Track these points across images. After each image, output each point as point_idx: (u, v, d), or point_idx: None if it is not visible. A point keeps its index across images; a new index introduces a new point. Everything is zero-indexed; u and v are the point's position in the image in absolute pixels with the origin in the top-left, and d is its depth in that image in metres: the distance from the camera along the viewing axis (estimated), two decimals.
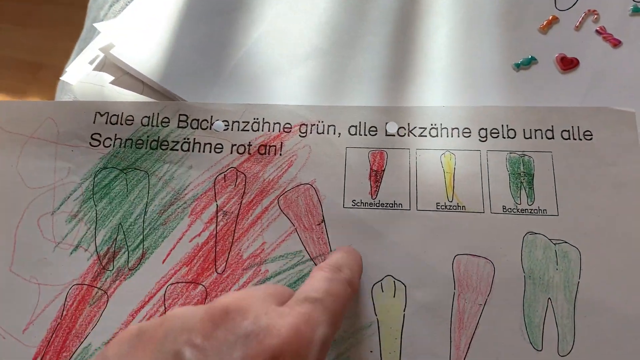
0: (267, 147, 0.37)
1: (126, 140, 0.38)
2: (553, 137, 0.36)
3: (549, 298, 0.33)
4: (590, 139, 0.36)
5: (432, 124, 0.37)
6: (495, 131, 0.37)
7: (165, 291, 0.34)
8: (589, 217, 0.34)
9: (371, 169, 0.36)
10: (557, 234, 0.34)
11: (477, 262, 0.34)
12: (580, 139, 0.36)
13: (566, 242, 0.34)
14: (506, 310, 0.33)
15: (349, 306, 0.29)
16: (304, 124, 0.38)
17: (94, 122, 0.39)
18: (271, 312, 0.24)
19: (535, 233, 0.34)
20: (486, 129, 0.37)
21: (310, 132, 0.38)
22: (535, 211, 0.35)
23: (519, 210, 0.35)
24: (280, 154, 0.37)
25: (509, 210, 0.35)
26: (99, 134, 0.38)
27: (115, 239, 0.36)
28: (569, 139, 0.36)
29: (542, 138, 0.36)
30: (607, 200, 0.34)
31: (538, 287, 0.33)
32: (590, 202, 0.35)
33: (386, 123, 0.37)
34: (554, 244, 0.34)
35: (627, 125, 0.36)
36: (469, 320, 0.33)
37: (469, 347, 0.32)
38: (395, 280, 0.34)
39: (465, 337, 0.32)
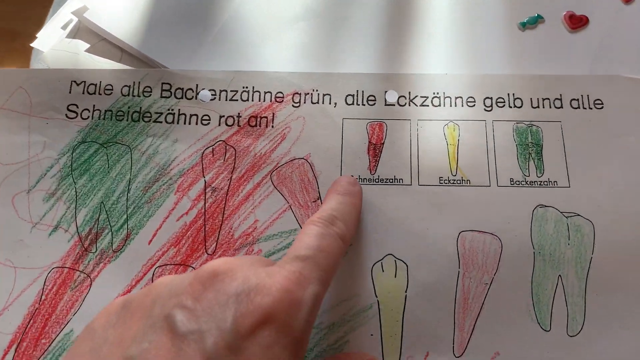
0: (258, 119, 0.35)
1: (105, 111, 0.35)
2: (562, 107, 0.34)
3: (560, 275, 0.31)
4: (602, 107, 0.34)
5: (434, 93, 0.35)
6: (501, 100, 0.35)
7: (153, 274, 0.32)
8: (603, 189, 0.33)
9: (370, 142, 0.34)
10: (569, 206, 0.32)
11: (484, 239, 0.32)
12: (591, 108, 0.34)
13: (579, 215, 0.32)
14: (513, 289, 0.31)
15: (341, 261, 0.28)
16: (297, 93, 0.35)
17: (69, 92, 0.36)
18: (260, 272, 0.23)
19: (546, 206, 0.32)
20: (491, 98, 0.35)
21: (304, 102, 0.35)
22: (545, 183, 0.33)
23: (528, 183, 0.33)
24: (272, 126, 0.35)
25: (517, 182, 0.33)
26: (75, 104, 0.36)
27: (98, 218, 0.34)
28: (579, 108, 0.34)
29: (550, 107, 0.34)
30: (622, 171, 0.33)
31: (548, 264, 0.31)
32: (604, 173, 0.33)
33: (385, 92, 0.35)
34: (566, 217, 0.32)
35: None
36: (474, 300, 0.31)
37: (473, 329, 0.31)
38: (397, 260, 0.32)
39: (469, 319, 0.31)
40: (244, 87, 0.36)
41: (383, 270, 0.32)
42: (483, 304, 0.31)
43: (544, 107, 0.34)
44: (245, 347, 0.21)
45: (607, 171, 0.33)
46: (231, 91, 0.36)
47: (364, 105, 0.35)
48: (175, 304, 0.22)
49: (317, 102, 0.35)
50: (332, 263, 0.26)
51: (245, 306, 0.21)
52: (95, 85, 0.36)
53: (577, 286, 0.31)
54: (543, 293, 0.31)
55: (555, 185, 0.33)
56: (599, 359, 0.30)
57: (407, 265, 0.32)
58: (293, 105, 0.35)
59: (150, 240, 0.33)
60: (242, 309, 0.21)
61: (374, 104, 0.35)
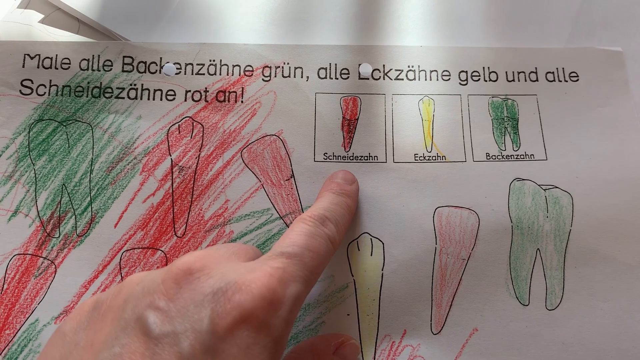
0: (227, 94, 0.33)
1: (63, 87, 0.33)
2: (537, 80, 0.34)
3: (538, 249, 0.31)
4: (577, 80, 0.34)
5: (409, 66, 0.34)
6: (476, 74, 0.34)
7: (121, 259, 0.31)
8: (580, 160, 0.32)
9: (344, 117, 0.33)
10: (546, 179, 0.32)
11: (461, 214, 0.32)
12: (566, 81, 0.34)
13: (557, 187, 0.32)
14: (491, 264, 0.31)
15: (327, 264, 0.27)
16: (267, 67, 0.34)
17: (23, 66, 0.33)
18: (240, 268, 0.22)
19: (523, 179, 0.32)
20: (466, 72, 0.34)
21: (275, 76, 0.34)
22: (522, 156, 0.33)
23: (504, 157, 0.32)
24: (242, 102, 0.33)
25: (493, 157, 0.32)
26: (30, 80, 0.33)
27: (60, 201, 0.32)
28: (554, 80, 0.34)
29: (525, 81, 0.34)
30: (599, 142, 0.33)
31: (526, 237, 0.31)
32: (581, 144, 0.33)
33: (359, 65, 0.34)
34: (544, 190, 0.32)
35: (615, 64, 0.34)
36: (451, 276, 0.31)
37: (451, 305, 0.31)
38: (372, 238, 0.31)
39: (447, 295, 0.31)
40: (210, 61, 0.34)
41: (359, 249, 0.31)
42: (461, 279, 0.31)
43: (519, 81, 0.34)
44: (223, 349, 0.20)
45: (584, 142, 0.33)
46: (197, 64, 0.34)
47: (337, 79, 0.34)
48: (147, 305, 0.21)
49: (289, 76, 0.34)
50: (318, 264, 0.25)
51: (222, 305, 0.20)
52: (51, 58, 0.34)
53: (555, 259, 0.31)
54: (521, 267, 0.31)
55: (532, 159, 0.32)
56: (578, 332, 0.30)
57: (383, 243, 0.31)
58: (263, 79, 0.34)
59: (116, 224, 0.32)
60: (219, 308, 0.20)
61: (348, 77, 0.34)
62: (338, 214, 0.28)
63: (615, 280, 0.31)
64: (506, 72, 0.34)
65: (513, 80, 0.34)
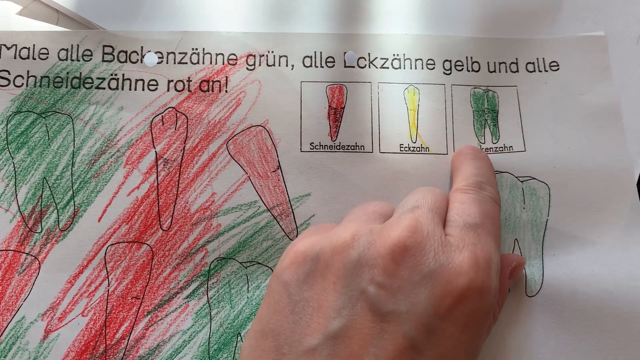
0: (210, 83, 0.33)
1: (42, 78, 0.33)
2: (518, 70, 0.34)
3: (516, 239, 0.32)
4: (557, 69, 0.34)
5: (394, 54, 0.34)
6: (460, 63, 0.34)
7: (106, 253, 0.31)
8: (558, 151, 0.33)
9: (330, 106, 0.33)
10: (524, 170, 0.32)
11: None
12: (547, 71, 0.34)
13: (534, 179, 0.32)
14: None
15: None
16: (251, 55, 0.33)
17: None
18: (446, 246, 0.23)
19: (501, 172, 0.32)
20: (450, 61, 0.34)
21: (259, 65, 0.33)
22: (501, 149, 0.33)
23: (483, 150, 0.32)
24: (226, 91, 0.33)
25: None
26: (7, 70, 0.32)
27: (41, 195, 0.31)
28: (535, 71, 0.34)
29: (506, 72, 0.34)
30: (577, 132, 0.33)
31: (504, 228, 0.32)
32: (559, 135, 0.33)
33: (345, 53, 0.33)
34: (521, 182, 0.32)
35: (597, 50, 0.34)
36: None
37: None
38: None
39: None
40: (193, 49, 0.33)
41: None
42: None
43: (500, 72, 0.34)
44: (443, 328, 0.21)
45: (563, 132, 0.33)
46: (179, 53, 0.33)
47: (323, 67, 0.33)
48: (369, 279, 0.22)
49: (273, 65, 0.33)
50: (498, 228, 0.26)
51: (440, 287, 0.22)
52: (29, 49, 0.33)
53: (534, 248, 0.31)
54: None
55: (511, 150, 0.33)
56: (559, 317, 0.30)
57: None
58: (247, 68, 0.33)
59: (100, 217, 0.31)
60: (437, 290, 0.22)
61: (333, 65, 0.33)
62: (488, 173, 0.29)
63: (597, 265, 0.31)
64: (488, 62, 0.34)
65: (494, 71, 0.34)
